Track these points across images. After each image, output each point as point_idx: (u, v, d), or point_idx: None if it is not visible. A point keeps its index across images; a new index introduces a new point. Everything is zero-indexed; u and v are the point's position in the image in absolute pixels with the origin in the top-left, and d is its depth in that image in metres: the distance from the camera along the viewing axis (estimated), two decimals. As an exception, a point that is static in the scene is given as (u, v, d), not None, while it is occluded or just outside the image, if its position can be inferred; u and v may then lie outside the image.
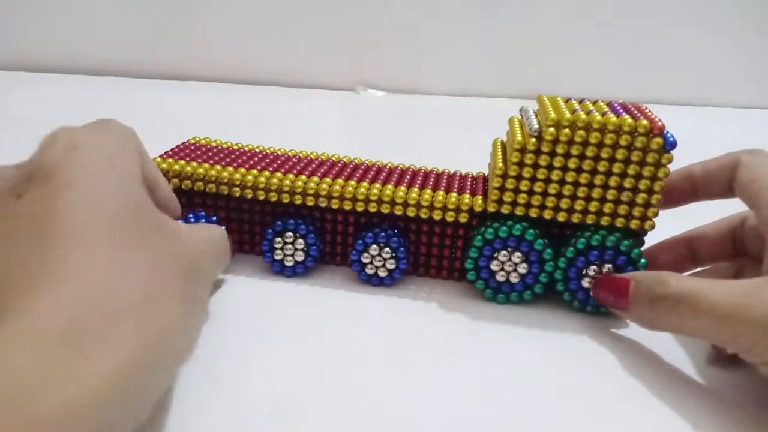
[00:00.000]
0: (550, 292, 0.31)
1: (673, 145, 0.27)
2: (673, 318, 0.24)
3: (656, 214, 0.29)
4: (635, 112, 0.29)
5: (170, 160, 0.32)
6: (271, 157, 0.34)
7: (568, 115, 0.28)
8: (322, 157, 0.35)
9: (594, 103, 0.30)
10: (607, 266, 0.29)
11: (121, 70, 0.73)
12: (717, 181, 0.29)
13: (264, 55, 0.75)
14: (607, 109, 0.29)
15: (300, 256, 0.32)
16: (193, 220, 0.31)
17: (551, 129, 0.28)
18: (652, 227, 0.29)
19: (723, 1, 0.71)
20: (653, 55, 0.73)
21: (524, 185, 0.29)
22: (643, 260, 0.29)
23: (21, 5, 0.71)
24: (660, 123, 0.27)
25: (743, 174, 0.27)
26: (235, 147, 0.36)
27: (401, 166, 0.35)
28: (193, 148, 0.35)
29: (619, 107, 0.29)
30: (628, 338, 0.29)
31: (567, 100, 0.30)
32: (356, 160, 0.35)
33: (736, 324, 0.22)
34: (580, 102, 0.30)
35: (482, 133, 0.36)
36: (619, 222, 0.29)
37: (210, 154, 0.34)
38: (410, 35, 0.74)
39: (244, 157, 0.34)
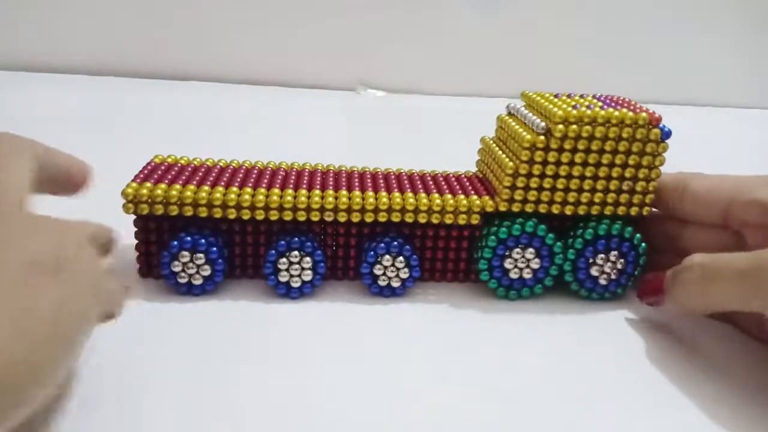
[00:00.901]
0: (557, 282, 0.31)
1: (668, 134, 0.29)
2: (698, 287, 0.26)
3: (653, 200, 0.30)
4: (626, 104, 0.30)
5: (148, 184, 0.28)
6: (256, 171, 0.31)
7: (573, 111, 0.28)
8: (307, 167, 0.33)
9: (581, 96, 0.31)
10: (613, 253, 0.30)
11: (121, 70, 0.73)
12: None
13: (264, 55, 0.74)
14: (600, 103, 0.30)
15: (308, 276, 0.29)
16: (187, 243, 0.28)
17: (560, 126, 0.28)
18: (650, 213, 0.31)
19: (723, 1, 0.72)
20: (653, 55, 0.74)
21: (534, 182, 0.29)
22: (644, 244, 0.30)
23: (21, 5, 0.71)
24: (657, 115, 0.29)
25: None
26: (209, 163, 0.32)
27: (388, 170, 0.34)
28: (164, 168, 0.31)
29: (607, 100, 0.31)
30: (635, 334, 0.29)
31: (555, 95, 0.31)
32: (341, 167, 0.33)
33: (754, 280, 0.23)
34: (568, 96, 0.31)
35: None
36: (621, 210, 0.30)
37: (188, 173, 0.30)
38: (410, 35, 0.74)
39: (226, 175, 0.30)
